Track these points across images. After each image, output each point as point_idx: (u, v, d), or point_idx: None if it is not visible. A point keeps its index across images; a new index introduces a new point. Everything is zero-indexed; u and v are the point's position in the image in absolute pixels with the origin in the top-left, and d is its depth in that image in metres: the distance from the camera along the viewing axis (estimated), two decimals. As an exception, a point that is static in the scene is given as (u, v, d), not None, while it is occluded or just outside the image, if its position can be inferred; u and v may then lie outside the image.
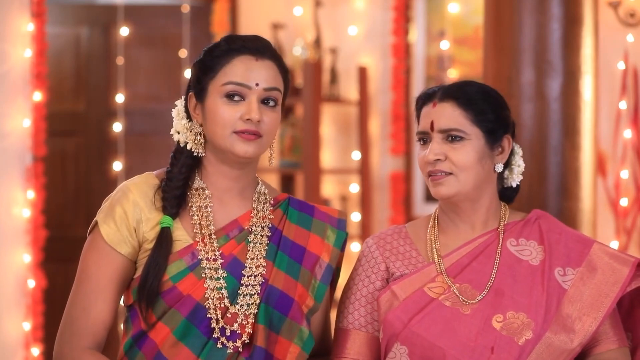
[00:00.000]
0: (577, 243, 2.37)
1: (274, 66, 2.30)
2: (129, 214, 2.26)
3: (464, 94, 2.35)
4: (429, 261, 2.36)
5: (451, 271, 2.32)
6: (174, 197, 2.28)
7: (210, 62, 2.28)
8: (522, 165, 2.44)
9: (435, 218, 2.43)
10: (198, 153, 2.30)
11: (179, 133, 2.32)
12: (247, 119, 2.24)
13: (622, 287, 2.30)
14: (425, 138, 2.36)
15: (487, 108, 2.36)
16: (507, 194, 2.46)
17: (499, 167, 2.39)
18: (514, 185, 2.45)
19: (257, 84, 2.25)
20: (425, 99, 2.39)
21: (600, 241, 2.42)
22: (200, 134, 2.30)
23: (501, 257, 2.34)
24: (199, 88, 2.29)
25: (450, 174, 2.32)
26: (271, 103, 2.28)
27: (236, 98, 2.25)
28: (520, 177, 2.44)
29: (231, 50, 2.27)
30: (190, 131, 2.31)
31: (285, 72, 2.33)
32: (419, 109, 2.41)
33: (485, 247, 2.35)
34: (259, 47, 2.28)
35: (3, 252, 4.35)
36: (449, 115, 2.33)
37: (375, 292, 2.36)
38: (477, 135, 2.34)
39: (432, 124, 2.33)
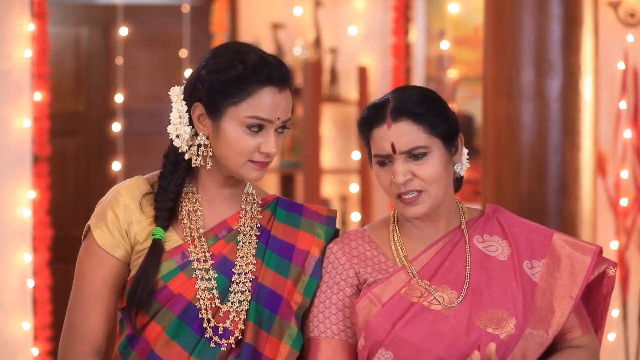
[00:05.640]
0: (537, 234, 2.36)
1: (290, 95, 2.29)
2: (120, 217, 2.26)
3: (414, 108, 2.28)
4: (399, 266, 2.32)
5: (425, 274, 2.29)
6: (167, 208, 2.27)
7: (232, 87, 2.23)
8: (466, 152, 2.38)
9: (395, 222, 2.39)
10: (201, 164, 2.28)
11: (178, 137, 2.28)
12: (264, 152, 2.25)
13: (586, 276, 2.31)
14: (385, 160, 2.29)
15: (439, 115, 2.30)
16: (454, 185, 2.40)
17: (459, 167, 2.35)
18: (462, 174, 2.39)
19: (278, 118, 2.25)
20: (373, 120, 2.30)
21: (558, 231, 2.41)
22: (206, 146, 2.27)
23: (471, 255, 2.32)
24: (212, 106, 2.25)
25: (421, 191, 2.27)
26: (283, 130, 2.29)
27: (256, 129, 2.24)
28: (467, 166, 2.39)
29: (258, 80, 2.23)
30: (193, 140, 2.28)
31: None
32: (367, 130, 2.31)
33: (453, 246, 2.33)
34: (282, 77, 2.25)
35: (6, 252, 4.35)
36: (407, 134, 2.26)
37: (345, 299, 2.32)
38: (437, 145, 2.28)
39: (393, 146, 2.26)
